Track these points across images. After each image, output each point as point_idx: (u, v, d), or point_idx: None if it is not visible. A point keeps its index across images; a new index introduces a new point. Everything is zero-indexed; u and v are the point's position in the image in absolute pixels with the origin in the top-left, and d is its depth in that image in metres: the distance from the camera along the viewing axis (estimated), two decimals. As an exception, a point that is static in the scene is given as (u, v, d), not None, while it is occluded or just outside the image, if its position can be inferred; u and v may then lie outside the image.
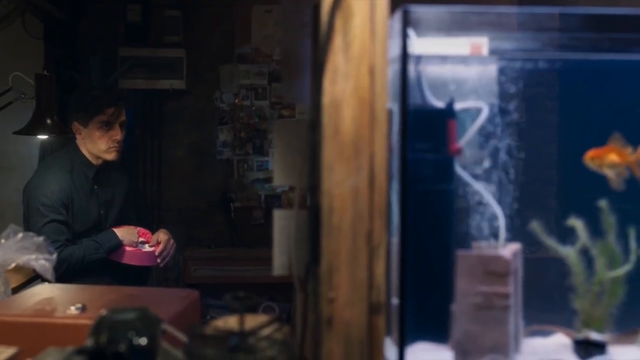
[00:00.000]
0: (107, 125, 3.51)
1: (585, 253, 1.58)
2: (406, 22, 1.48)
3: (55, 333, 1.97)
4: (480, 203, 1.65)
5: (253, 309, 1.64)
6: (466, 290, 1.53)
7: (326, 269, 1.46)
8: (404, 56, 1.48)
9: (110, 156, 3.55)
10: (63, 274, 3.35)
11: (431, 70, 1.68)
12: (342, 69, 1.45)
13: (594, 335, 1.54)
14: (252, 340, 1.49)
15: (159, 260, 3.69)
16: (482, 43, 1.71)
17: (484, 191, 1.65)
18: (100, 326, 1.48)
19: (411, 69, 1.64)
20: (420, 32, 1.58)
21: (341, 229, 1.46)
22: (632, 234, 1.55)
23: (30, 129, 3.36)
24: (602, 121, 1.66)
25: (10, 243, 2.17)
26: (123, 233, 3.61)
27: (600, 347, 1.54)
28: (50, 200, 3.43)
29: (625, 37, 1.57)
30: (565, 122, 1.65)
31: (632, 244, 1.55)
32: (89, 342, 1.46)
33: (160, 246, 3.67)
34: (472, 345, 1.52)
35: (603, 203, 1.57)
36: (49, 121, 3.35)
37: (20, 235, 2.20)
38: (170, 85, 5.28)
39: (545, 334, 1.68)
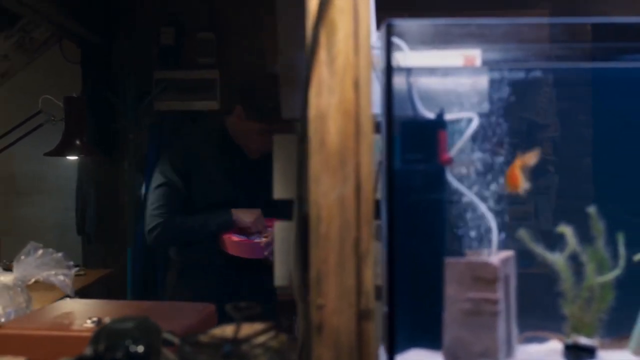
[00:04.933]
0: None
1: (576, 259, 1.60)
2: (390, 35, 1.52)
3: (71, 345, 2.03)
4: (474, 212, 1.68)
5: (254, 318, 1.69)
6: (455, 296, 1.56)
7: (315, 277, 1.50)
8: (389, 69, 1.52)
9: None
10: (169, 242, 3.31)
11: (424, 82, 1.72)
12: (327, 82, 1.50)
13: (583, 340, 1.56)
14: (246, 347, 1.53)
15: (265, 253, 3.56)
16: (475, 55, 1.74)
17: (477, 200, 1.68)
18: (99, 335, 1.53)
19: (402, 80, 1.69)
20: (411, 45, 1.63)
21: (329, 238, 1.50)
22: (621, 239, 1.57)
23: (60, 150, 3.46)
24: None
25: (30, 259, 2.25)
26: (244, 214, 3.48)
27: (589, 352, 1.55)
28: (171, 166, 3.42)
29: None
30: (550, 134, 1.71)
31: (621, 250, 1.57)
32: (87, 351, 1.52)
33: (269, 237, 3.48)
34: (462, 351, 1.55)
35: (592, 210, 1.59)
36: (78, 142, 3.45)
37: (40, 251, 2.28)
38: (205, 106, 5.36)
39: (541, 340, 1.70)
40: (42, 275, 2.25)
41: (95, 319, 2.13)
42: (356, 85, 1.49)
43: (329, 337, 1.49)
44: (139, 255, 5.10)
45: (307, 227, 1.50)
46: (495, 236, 1.66)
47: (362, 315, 1.50)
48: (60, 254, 2.30)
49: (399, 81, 1.71)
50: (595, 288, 1.57)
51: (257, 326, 1.63)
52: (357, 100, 1.50)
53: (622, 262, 1.57)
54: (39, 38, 5.30)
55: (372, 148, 1.50)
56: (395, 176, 1.61)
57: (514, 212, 1.80)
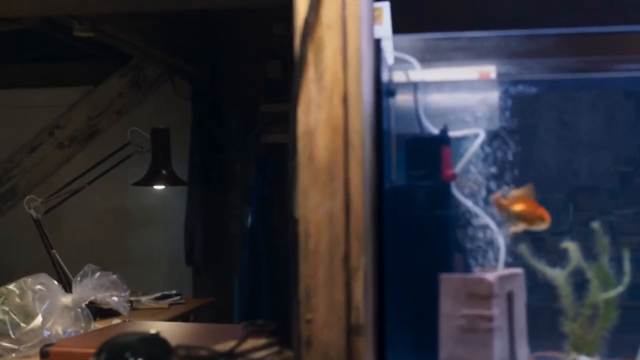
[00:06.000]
0: None
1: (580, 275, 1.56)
2: (379, 51, 1.53)
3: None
4: (481, 228, 1.66)
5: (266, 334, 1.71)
6: (450, 312, 1.54)
7: (304, 291, 1.51)
8: (378, 84, 1.53)
9: None
10: None
11: (431, 98, 1.72)
12: (315, 99, 1.51)
13: (584, 359, 1.51)
14: (241, 361, 1.56)
15: None
16: (490, 70, 1.73)
17: (486, 216, 1.65)
18: (102, 348, 1.59)
19: (410, 97, 1.70)
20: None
21: (318, 253, 1.51)
22: (627, 255, 1.51)
23: (147, 180, 3.59)
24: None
25: (87, 281, 2.34)
26: None
27: (590, 371, 1.50)
28: None
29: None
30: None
31: (627, 266, 1.51)
32: (90, 363, 1.58)
33: None
34: (457, 368, 1.52)
35: (596, 225, 1.54)
36: (164, 172, 3.56)
37: (97, 274, 2.38)
38: (309, 138, 5.42)
39: (554, 360, 1.65)
40: (99, 296, 2.34)
41: (142, 338, 2.19)
42: (345, 101, 1.51)
43: (318, 352, 1.50)
44: (245, 285, 5.20)
45: (296, 241, 1.52)
46: (502, 253, 1.63)
47: (352, 330, 1.50)
48: (115, 276, 2.39)
49: (418, 98, 1.72)
50: (598, 305, 1.52)
51: (261, 341, 1.65)
52: (346, 116, 1.51)
53: (626, 279, 1.51)
54: (151, 75, 5.52)
55: (362, 163, 1.50)
56: (397, 192, 1.61)
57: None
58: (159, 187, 4.03)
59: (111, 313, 3.93)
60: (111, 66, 5.55)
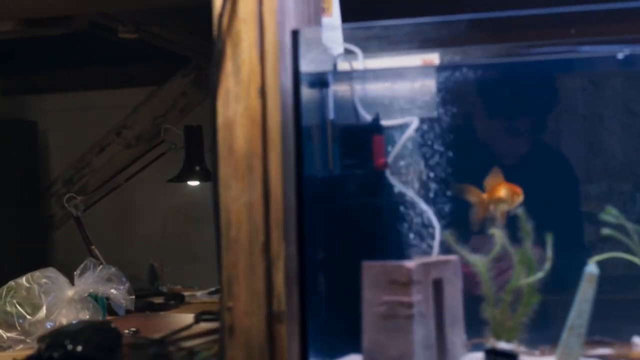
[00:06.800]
0: None
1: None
2: (296, 42, 1.55)
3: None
4: (419, 215, 1.66)
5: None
6: (371, 299, 1.55)
7: (226, 280, 1.55)
8: (296, 75, 1.55)
9: None
10: None
11: (377, 88, 1.74)
12: (233, 91, 1.55)
13: (502, 345, 1.49)
14: (173, 349, 1.61)
15: None
16: (433, 58, 1.73)
17: (422, 203, 1.66)
18: (45, 335, 1.66)
19: (345, 87, 1.71)
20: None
21: (238, 242, 1.54)
22: (550, 240, 1.50)
23: (181, 177, 3.67)
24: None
25: (88, 274, 2.44)
26: None
27: (509, 357, 1.49)
28: None
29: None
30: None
31: (549, 252, 1.49)
32: (34, 350, 1.65)
33: None
34: (379, 355, 1.53)
35: (520, 211, 1.53)
36: (198, 168, 3.64)
37: (99, 267, 2.47)
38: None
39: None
40: (100, 289, 2.43)
41: (133, 329, 2.27)
42: (262, 93, 1.54)
43: (240, 339, 1.53)
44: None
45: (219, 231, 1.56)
46: (437, 239, 1.64)
47: (274, 318, 1.52)
48: (114, 269, 2.48)
49: (359, 87, 1.74)
50: (518, 291, 1.51)
51: (204, 328, 1.70)
52: (264, 108, 1.53)
53: (548, 265, 1.49)
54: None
55: (281, 154, 1.53)
56: (327, 182, 1.63)
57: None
58: (193, 183, 4.12)
59: (161, 307, 4.07)
60: (175, 66, 5.68)
